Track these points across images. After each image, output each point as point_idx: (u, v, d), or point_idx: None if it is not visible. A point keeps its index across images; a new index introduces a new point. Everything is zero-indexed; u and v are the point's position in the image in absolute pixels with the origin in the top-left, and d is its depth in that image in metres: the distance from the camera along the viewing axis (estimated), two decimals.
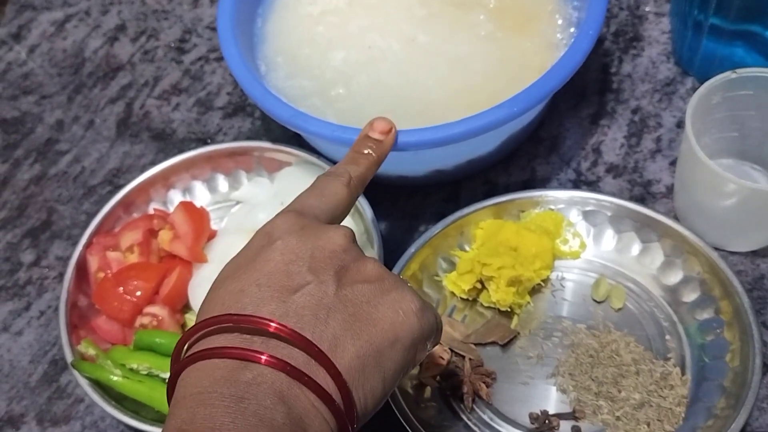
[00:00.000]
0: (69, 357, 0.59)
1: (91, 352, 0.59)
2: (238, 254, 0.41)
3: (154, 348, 0.59)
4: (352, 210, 0.63)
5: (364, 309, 0.38)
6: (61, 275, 0.65)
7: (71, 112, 0.81)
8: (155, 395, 0.58)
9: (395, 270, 0.59)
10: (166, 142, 0.76)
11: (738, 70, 0.58)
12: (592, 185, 0.66)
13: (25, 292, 0.69)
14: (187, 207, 0.65)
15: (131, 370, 0.59)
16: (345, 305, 0.38)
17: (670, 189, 0.65)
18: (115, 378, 0.58)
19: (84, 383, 0.58)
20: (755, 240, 0.61)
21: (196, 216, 0.65)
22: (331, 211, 0.45)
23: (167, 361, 0.58)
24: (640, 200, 0.64)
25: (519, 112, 0.57)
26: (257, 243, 0.41)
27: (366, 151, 0.51)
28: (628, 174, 0.66)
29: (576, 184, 0.67)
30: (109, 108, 0.80)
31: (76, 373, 0.58)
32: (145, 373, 0.59)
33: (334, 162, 0.65)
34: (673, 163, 0.66)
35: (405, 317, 0.39)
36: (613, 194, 0.63)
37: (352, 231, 0.43)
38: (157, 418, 0.57)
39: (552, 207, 0.63)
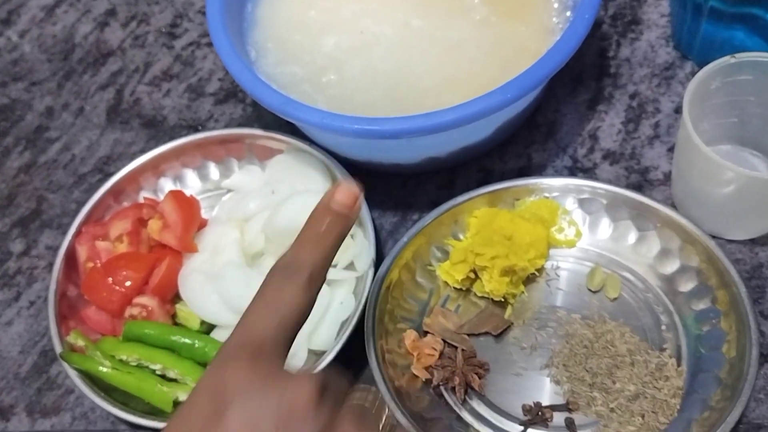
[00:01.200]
0: (58, 348, 0.59)
1: (81, 343, 0.59)
2: (178, 416, 0.34)
3: (143, 339, 0.59)
4: None
5: None
6: (51, 265, 0.64)
7: (61, 98, 0.79)
8: (144, 387, 0.57)
9: (387, 260, 0.58)
10: (157, 129, 0.75)
11: (737, 55, 0.57)
12: (589, 172, 0.65)
13: (14, 282, 0.68)
14: (177, 196, 0.64)
15: (120, 361, 0.58)
16: None
17: (668, 176, 0.64)
18: (105, 369, 0.57)
19: (73, 374, 0.57)
20: (754, 228, 0.60)
21: (186, 205, 0.64)
22: (289, 330, 0.37)
23: (157, 353, 0.58)
24: (637, 188, 0.63)
25: (512, 99, 0.56)
26: (205, 407, 0.33)
27: (326, 229, 0.41)
28: (626, 161, 0.65)
29: (572, 171, 0.65)
30: (99, 94, 0.79)
31: (65, 364, 0.58)
32: (134, 364, 0.58)
33: (326, 150, 0.64)
34: (671, 150, 0.65)
35: None
36: (609, 181, 0.63)
37: (320, 376, 0.34)
38: (147, 410, 0.57)
39: (547, 195, 0.62)
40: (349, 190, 0.42)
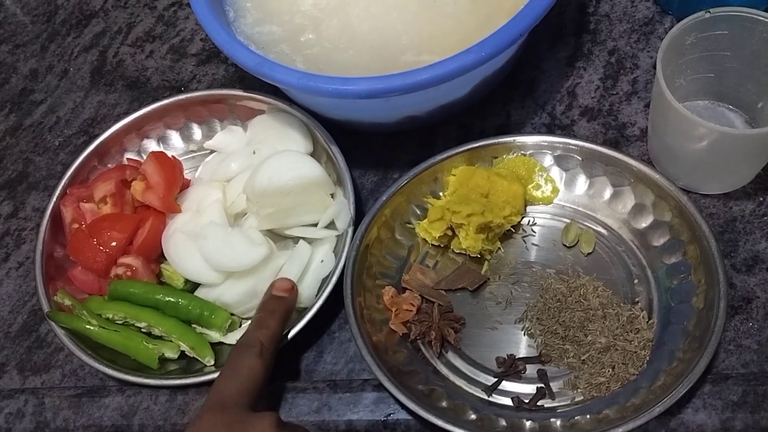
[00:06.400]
0: (45, 308, 0.60)
1: (67, 302, 0.60)
2: None
3: (128, 298, 0.60)
4: (325, 158, 0.64)
5: None
6: (39, 226, 0.65)
7: (45, 61, 0.80)
8: (130, 344, 0.58)
9: (366, 219, 0.59)
10: (140, 91, 0.76)
11: (712, 10, 0.57)
12: (567, 129, 0.66)
13: (3, 243, 0.70)
14: (159, 157, 0.65)
15: (107, 319, 0.59)
16: None
17: (645, 132, 0.64)
18: (91, 328, 0.59)
19: (60, 333, 0.59)
20: (728, 183, 0.61)
21: (168, 166, 0.64)
22: (251, 390, 0.50)
23: (142, 311, 0.59)
24: (614, 144, 0.64)
25: (488, 57, 0.56)
26: None
27: (272, 308, 0.55)
28: (603, 117, 0.65)
29: (550, 128, 0.66)
30: (83, 56, 0.79)
31: (52, 323, 0.59)
32: (120, 322, 0.60)
33: (306, 110, 0.65)
34: (648, 105, 0.65)
35: None
36: (586, 138, 0.63)
37: (276, 415, 0.47)
38: (133, 367, 0.58)
39: (524, 152, 0.62)
40: (285, 280, 0.57)
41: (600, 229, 0.60)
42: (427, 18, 0.63)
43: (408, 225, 0.62)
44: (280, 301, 0.56)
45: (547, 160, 0.62)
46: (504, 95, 0.68)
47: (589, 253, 0.59)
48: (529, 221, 0.61)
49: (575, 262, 0.59)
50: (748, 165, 0.59)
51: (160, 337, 0.59)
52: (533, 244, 0.60)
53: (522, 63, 0.69)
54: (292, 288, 0.57)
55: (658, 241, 0.58)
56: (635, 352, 0.54)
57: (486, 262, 0.60)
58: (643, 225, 0.59)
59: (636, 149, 0.63)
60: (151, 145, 0.70)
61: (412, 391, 0.52)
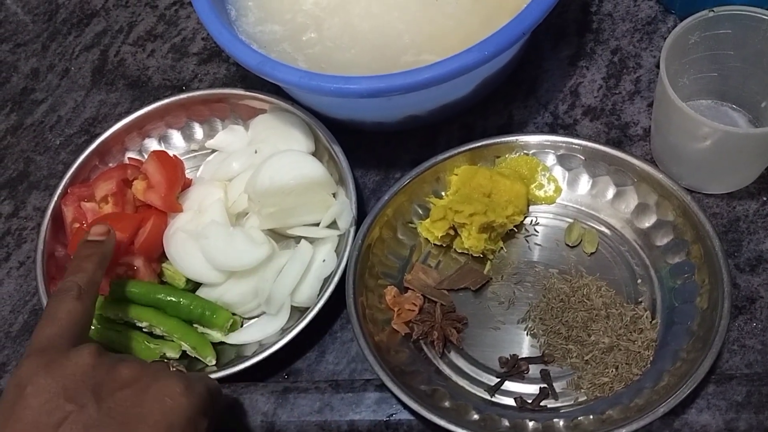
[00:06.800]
0: None
1: None
2: None
3: (129, 297, 0.60)
4: (326, 157, 0.63)
5: (132, 412, 0.42)
6: (40, 226, 0.65)
7: (46, 60, 0.80)
8: (131, 344, 0.58)
9: (368, 218, 0.59)
10: (142, 90, 0.75)
11: (716, 9, 0.57)
12: (569, 129, 0.65)
13: (4, 242, 0.69)
14: (160, 156, 0.65)
15: (108, 319, 0.59)
16: (112, 417, 0.42)
17: (648, 131, 0.64)
18: (92, 327, 0.58)
19: None
20: (731, 182, 0.60)
21: (169, 165, 0.64)
22: (71, 331, 0.47)
23: (143, 311, 0.59)
24: (617, 143, 0.64)
25: (490, 56, 0.56)
26: (10, 397, 0.43)
27: (87, 253, 0.53)
28: (606, 116, 0.65)
29: (553, 128, 0.66)
30: (84, 55, 0.79)
31: None
32: (121, 322, 0.59)
33: (308, 109, 0.65)
34: (651, 105, 0.65)
35: (173, 402, 0.43)
36: (588, 137, 0.63)
37: (97, 345, 0.46)
38: None
39: (527, 152, 0.62)
40: (100, 225, 0.56)
41: (603, 228, 0.60)
42: (429, 17, 0.63)
43: (410, 225, 0.62)
44: (96, 245, 0.54)
45: (550, 159, 0.62)
46: (506, 95, 0.68)
47: (592, 253, 0.59)
48: (531, 221, 0.61)
49: (578, 262, 0.59)
50: (752, 164, 0.59)
51: (161, 337, 0.59)
52: (536, 243, 0.60)
53: (524, 62, 0.69)
54: (108, 231, 0.55)
55: (662, 240, 0.58)
56: (638, 352, 0.54)
57: (488, 262, 0.60)
58: (647, 225, 0.59)
59: (639, 149, 0.63)
60: (153, 145, 0.70)
61: (415, 391, 0.52)
